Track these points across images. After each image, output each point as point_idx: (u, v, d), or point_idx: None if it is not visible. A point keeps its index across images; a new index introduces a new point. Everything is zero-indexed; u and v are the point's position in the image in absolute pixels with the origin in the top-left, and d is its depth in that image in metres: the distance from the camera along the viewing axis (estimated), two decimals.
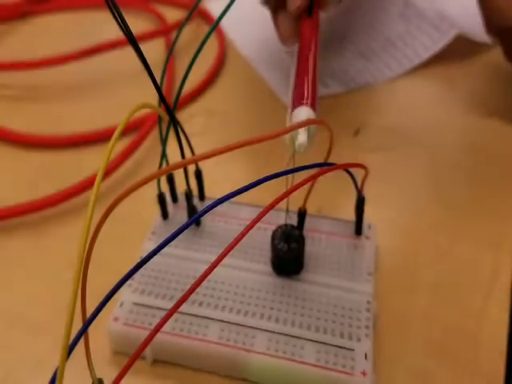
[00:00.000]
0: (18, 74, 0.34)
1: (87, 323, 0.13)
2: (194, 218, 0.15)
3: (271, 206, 0.15)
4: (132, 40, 0.15)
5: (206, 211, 0.14)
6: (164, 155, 0.21)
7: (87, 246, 0.14)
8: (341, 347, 0.18)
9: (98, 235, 0.14)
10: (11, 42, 0.37)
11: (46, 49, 0.34)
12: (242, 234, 0.14)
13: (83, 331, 0.13)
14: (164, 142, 0.20)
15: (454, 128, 0.29)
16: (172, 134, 0.20)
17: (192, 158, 0.13)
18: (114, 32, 0.34)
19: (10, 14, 0.39)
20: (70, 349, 0.12)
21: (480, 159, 0.27)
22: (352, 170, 0.19)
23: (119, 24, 0.17)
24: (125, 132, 0.29)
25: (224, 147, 0.14)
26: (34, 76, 0.33)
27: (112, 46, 0.34)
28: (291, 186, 0.16)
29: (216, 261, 0.14)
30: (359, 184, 0.21)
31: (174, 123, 0.17)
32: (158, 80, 0.18)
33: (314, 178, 0.16)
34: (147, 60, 0.17)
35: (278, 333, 0.19)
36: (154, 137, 0.29)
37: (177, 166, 0.13)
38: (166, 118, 0.18)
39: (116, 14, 0.15)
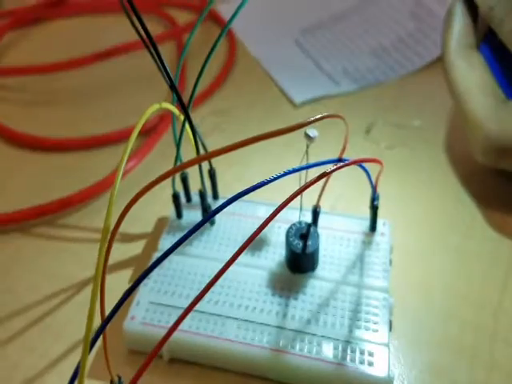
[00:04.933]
0: (33, 79, 0.34)
1: (107, 319, 0.13)
2: (210, 215, 0.15)
3: (286, 203, 0.15)
4: (150, 39, 0.16)
5: (221, 208, 0.15)
6: (178, 154, 0.21)
7: (106, 244, 0.14)
8: (358, 343, 0.18)
9: (116, 234, 0.14)
10: (26, 47, 0.38)
11: (60, 53, 0.34)
12: (257, 232, 0.14)
13: (104, 326, 0.13)
14: (179, 140, 0.20)
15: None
16: (185, 137, 0.20)
17: (207, 154, 0.13)
18: (125, 36, 0.34)
19: (24, 19, 0.39)
20: (91, 344, 0.13)
21: None
22: (366, 166, 0.19)
23: (135, 27, 0.17)
24: (139, 134, 0.29)
25: (238, 142, 0.14)
26: (49, 80, 0.34)
27: (125, 49, 0.34)
28: (306, 183, 0.16)
29: (232, 259, 0.14)
30: (374, 180, 0.21)
31: (190, 121, 0.18)
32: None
33: (329, 173, 0.16)
34: (160, 62, 0.17)
35: (294, 330, 0.19)
36: (165, 140, 0.29)
37: (193, 162, 0.13)
38: (180, 117, 0.19)
39: (132, 16, 0.15)
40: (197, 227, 0.14)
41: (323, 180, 0.21)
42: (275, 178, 0.16)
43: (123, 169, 0.15)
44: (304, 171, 0.17)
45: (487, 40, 0.26)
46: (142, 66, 0.33)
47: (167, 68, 0.17)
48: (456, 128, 0.29)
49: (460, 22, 0.26)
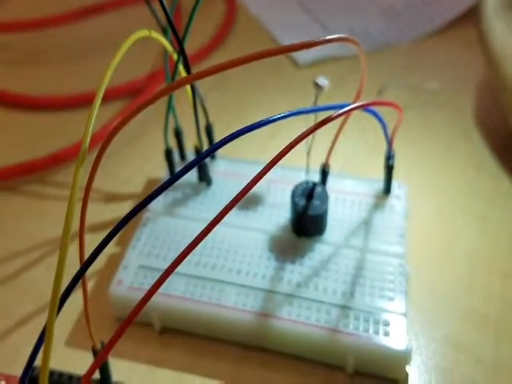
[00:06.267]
0: (17, 36, 0.32)
1: (85, 265, 0.11)
2: (202, 156, 0.13)
3: (291, 146, 0.13)
4: None
5: (216, 148, 0.12)
6: (171, 104, 0.19)
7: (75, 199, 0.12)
8: (372, 312, 0.16)
9: (94, 177, 0.12)
10: (11, 4, 0.35)
11: (47, 9, 0.32)
12: (250, 186, 0.12)
13: (83, 272, 0.11)
14: (172, 77, 0.17)
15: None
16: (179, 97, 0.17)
17: (198, 72, 0.11)
18: None
19: None
20: (64, 297, 0.10)
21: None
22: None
23: None
24: (127, 93, 0.27)
25: (232, 60, 0.11)
26: (34, 38, 0.31)
27: (113, 6, 0.32)
28: (314, 124, 0.14)
29: (220, 214, 0.11)
30: (390, 134, 0.19)
31: (185, 56, 0.15)
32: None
33: (342, 114, 0.14)
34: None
35: (300, 297, 0.17)
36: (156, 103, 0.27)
37: (182, 82, 0.11)
38: (174, 55, 0.16)
39: None
40: (185, 169, 0.12)
41: (332, 136, 0.19)
42: (277, 119, 0.13)
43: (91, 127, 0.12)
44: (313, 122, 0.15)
45: None
46: (132, 24, 0.31)
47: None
48: (483, 93, 0.27)
49: None
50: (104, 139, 0.11)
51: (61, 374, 0.15)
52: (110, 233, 0.11)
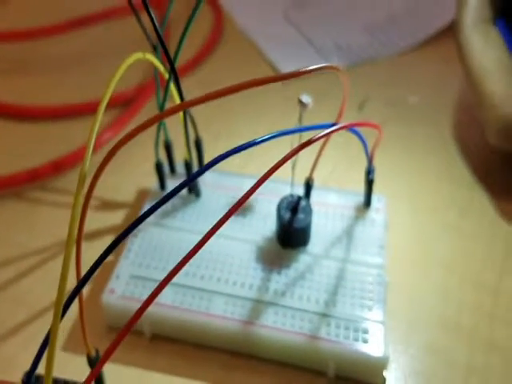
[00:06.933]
0: (6, 47, 0.32)
1: (83, 280, 0.11)
2: (193, 176, 0.14)
3: (277, 167, 0.14)
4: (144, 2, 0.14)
5: (207, 168, 0.13)
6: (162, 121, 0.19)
7: (80, 210, 0.12)
8: (352, 320, 0.17)
9: (90, 199, 0.13)
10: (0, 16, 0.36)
11: (36, 21, 0.32)
12: (245, 197, 0.13)
13: (81, 287, 0.11)
14: (163, 102, 0.18)
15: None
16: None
17: (192, 100, 0.12)
18: (103, 3, 0.33)
19: None
20: (65, 308, 0.11)
21: None
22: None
23: None
24: (118, 104, 0.28)
25: (220, 90, 0.12)
26: (22, 48, 0.32)
27: (100, 18, 0.33)
28: (298, 145, 0.15)
29: (215, 227, 0.12)
30: (370, 151, 0.20)
31: (176, 76, 0.16)
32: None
33: (325, 135, 0.15)
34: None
35: (285, 306, 0.18)
36: (146, 113, 0.28)
37: (175, 110, 0.12)
38: (165, 74, 0.17)
39: None
40: (177, 190, 0.13)
41: (316, 151, 0.20)
42: (264, 140, 0.14)
43: (94, 137, 0.13)
44: (297, 142, 0.16)
45: (504, 14, 0.25)
46: (119, 35, 0.32)
47: (154, 19, 0.16)
48: (462, 107, 0.28)
49: None
50: (103, 159, 0.12)
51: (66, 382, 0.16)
52: (110, 245, 0.12)
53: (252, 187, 0.13)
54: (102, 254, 0.12)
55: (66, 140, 0.26)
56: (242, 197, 0.13)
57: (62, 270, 0.11)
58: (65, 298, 0.11)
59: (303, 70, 0.13)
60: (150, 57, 0.15)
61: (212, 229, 0.12)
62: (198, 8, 0.17)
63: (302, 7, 0.35)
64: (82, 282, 0.12)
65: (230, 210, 0.12)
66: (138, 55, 0.14)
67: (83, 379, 0.15)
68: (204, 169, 0.13)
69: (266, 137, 0.14)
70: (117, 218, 0.22)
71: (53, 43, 0.32)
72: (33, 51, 0.32)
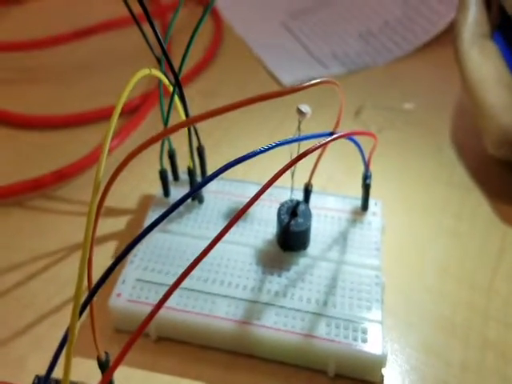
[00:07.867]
0: (14, 56, 0.33)
1: (96, 287, 0.12)
2: (197, 187, 0.14)
3: (277, 177, 0.15)
4: (145, 12, 0.15)
5: (210, 179, 0.14)
6: (167, 125, 0.20)
7: (94, 218, 0.13)
8: (351, 320, 0.18)
9: (101, 209, 0.14)
10: (6, 27, 0.36)
11: (42, 32, 0.33)
12: (245, 208, 0.13)
13: (93, 293, 0.12)
14: (167, 114, 0.19)
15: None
16: (172, 116, 0.19)
17: (196, 116, 0.12)
18: (107, 13, 0.33)
19: None
20: (80, 312, 0.12)
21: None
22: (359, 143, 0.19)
23: (127, 4, 0.16)
24: (122, 112, 0.28)
25: (227, 105, 0.13)
26: (30, 58, 0.33)
27: (105, 27, 0.33)
28: (298, 155, 0.16)
29: (220, 234, 0.13)
30: (367, 157, 0.20)
31: (180, 88, 0.17)
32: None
33: (322, 145, 0.16)
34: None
35: (285, 307, 0.18)
36: (150, 121, 0.28)
37: (180, 126, 0.12)
38: (170, 88, 0.18)
39: None
40: (183, 200, 0.13)
41: (315, 157, 0.20)
42: (265, 150, 0.15)
43: (109, 142, 0.14)
44: (296, 150, 0.17)
45: (501, 29, 0.25)
46: (125, 44, 0.33)
47: (158, 33, 0.16)
48: (459, 114, 0.29)
49: (473, 10, 0.26)
50: (116, 169, 0.12)
51: None
52: (121, 253, 0.13)
53: (254, 196, 0.14)
54: (113, 262, 0.13)
55: (69, 149, 0.26)
56: (246, 204, 0.13)
57: (78, 280, 0.12)
58: (79, 307, 0.12)
59: (302, 85, 0.14)
60: (157, 72, 0.16)
61: (218, 235, 0.13)
62: (203, 20, 0.18)
63: (300, 16, 0.36)
64: (94, 290, 0.12)
65: (235, 217, 0.13)
66: (145, 71, 0.15)
67: (91, 381, 0.16)
68: (210, 178, 0.14)
69: (270, 146, 0.15)
70: (121, 224, 0.23)
71: (57, 53, 0.33)
72: (37, 61, 0.33)
